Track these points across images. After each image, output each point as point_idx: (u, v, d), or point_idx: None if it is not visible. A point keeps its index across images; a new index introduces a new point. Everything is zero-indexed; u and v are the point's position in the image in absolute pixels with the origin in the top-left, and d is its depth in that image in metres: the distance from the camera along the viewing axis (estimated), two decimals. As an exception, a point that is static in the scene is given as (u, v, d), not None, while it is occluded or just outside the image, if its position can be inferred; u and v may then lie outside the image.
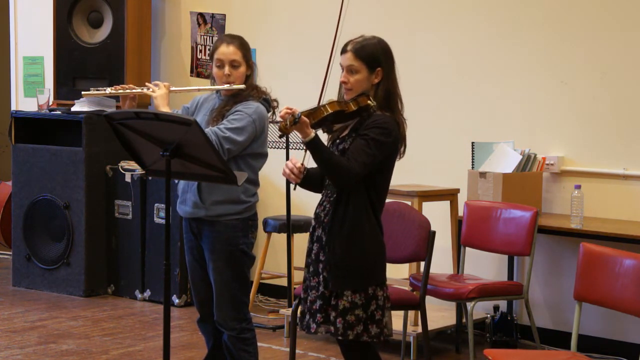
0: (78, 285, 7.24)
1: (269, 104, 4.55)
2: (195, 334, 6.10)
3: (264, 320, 6.63)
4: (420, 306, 5.06)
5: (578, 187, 5.77)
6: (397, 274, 6.08)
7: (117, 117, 3.93)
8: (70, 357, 5.72)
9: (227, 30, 7.39)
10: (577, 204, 5.69)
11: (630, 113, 5.94)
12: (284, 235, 6.69)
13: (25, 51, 8.52)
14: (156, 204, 7.09)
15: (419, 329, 5.45)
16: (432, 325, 5.74)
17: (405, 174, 6.04)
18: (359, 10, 6.47)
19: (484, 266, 6.27)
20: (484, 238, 5.77)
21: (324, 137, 3.97)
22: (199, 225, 4.50)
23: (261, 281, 6.99)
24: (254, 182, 4.52)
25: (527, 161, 6.01)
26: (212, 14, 7.56)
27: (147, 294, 7.15)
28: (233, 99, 4.48)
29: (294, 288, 5.79)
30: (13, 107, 8.51)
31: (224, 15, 7.51)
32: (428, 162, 6.51)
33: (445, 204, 6.18)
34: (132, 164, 7.12)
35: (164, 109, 4.39)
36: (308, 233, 4.14)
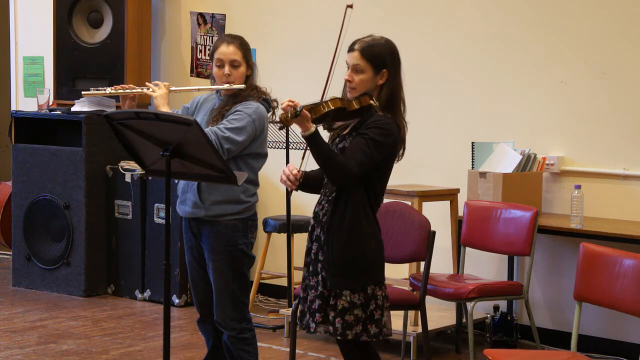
0: (78, 285, 7.24)
1: (268, 104, 4.55)
2: (195, 334, 6.10)
3: (264, 320, 6.63)
4: (420, 306, 5.06)
5: (578, 187, 5.77)
6: (397, 274, 6.08)
7: (117, 117, 3.92)
8: (70, 357, 5.72)
9: (227, 30, 7.39)
10: (577, 204, 5.69)
11: (630, 113, 5.94)
12: (284, 235, 6.69)
13: (25, 51, 8.53)
14: (156, 204, 7.09)
15: (419, 329, 5.45)
16: (432, 325, 5.74)
17: (405, 174, 6.05)
18: (359, 10, 6.46)
19: (484, 266, 6.27)
20: (484, 238, 5.77)
21: (324, 134, 3.97)
22: (198, 225, 4.50)
23: (261, 281, 6.99)
24: (254, 182, 4.52)
25: (527, 161, 6.01)
26: (212, 14, 7.56)
27: (147, 294, 7.15)
28: (233, 99, 4.48)
29: (294, 288, 5.79)
30: (13, 107, 8.51)
31: (224, 15, 7.51)
32: (428, 162, 6.51)
33: (445, 204, 6.18)
34: (132, 164, 7.12)
35: (164, 108, 4.39)
36: (308, 232, 4.15)
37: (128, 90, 4.46)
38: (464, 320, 5.85)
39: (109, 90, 4.48)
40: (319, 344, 6.03)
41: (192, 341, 6.11)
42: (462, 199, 6.09)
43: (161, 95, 4.45)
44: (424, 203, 5.98)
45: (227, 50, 4.47)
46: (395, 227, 5.26)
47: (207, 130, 4.22)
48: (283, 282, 7.04)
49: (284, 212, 6.37)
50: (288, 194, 6.27)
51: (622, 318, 5.53)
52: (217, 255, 4.46)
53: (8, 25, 8.72)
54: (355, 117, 3.98)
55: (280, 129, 4.06)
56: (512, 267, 6.11)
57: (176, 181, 4.57)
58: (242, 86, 4.47)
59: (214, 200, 4.43)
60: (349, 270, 3.94)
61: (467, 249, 5.87)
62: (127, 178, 7.20)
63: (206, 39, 7.59)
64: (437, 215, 6.04)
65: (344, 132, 4.03)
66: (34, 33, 8.43)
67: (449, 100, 6.54)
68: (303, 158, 4.01)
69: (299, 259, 6.36)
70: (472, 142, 6.20)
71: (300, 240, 6.36)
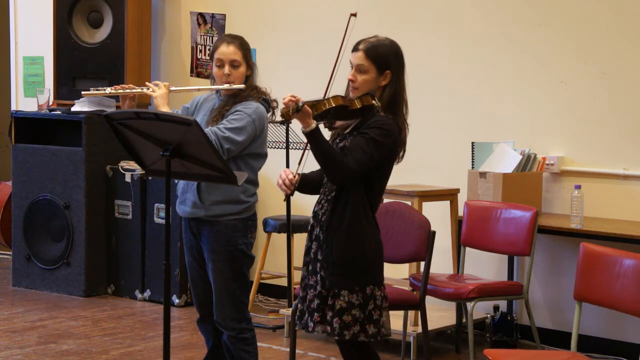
0: (78, 285, 7.24)
1: (268, 104, 4.55)
2: (195, 334, 6.10)
3: (264, 320, 6.63)
4: (420, 306, 5.06)
5: (578, 187, 5.77)
6: (397, 274, 6.08)
7: (117, 117, 3.92)
8: (70, 357, 5.72)
9: (227, 30, 7.39)
10: (577, 204, 5.69)
11: (630, 113, 5.94)
12: (284, 235, 6.69)
13: (25, 51, 8.53)
14: (156, 204, 7.09)
15: (419, 329, 5.45)
16: (432, 325, 5.74)
17: (405, 174, 6.04)
18: (360, 10, 6.46)
19: (484, 266, 6.27)
20: (484, 238, 5.77)
21: (325, 133, 3.97)
22: (198, 225, 4.50)
23: (261, 281, 6.98)
24: (254, 182, 4.52)
25: (527, 161, 6.01)
26: (212, 14, 7.56)
27: (147, 294, 7.15)
28: (233, 99, 4.48)
29: (294, 288, 5.79)
30: (13, 107, 8.51)
31: (224, 15, 7.51)
32: (428, 162, 6.51)
33: (445, 204, 6.18)
34: (132, 164, 7.12)
35: (164, 108, 4.39)
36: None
37: (128, 90, 4.45)
38: (464, 320, 5.85)
39: (108, 90, 4.48)
40: (319, 344, 6.03)
41: (192, 341, 6.11)
42: (462, 199, 6.09)
43: (161, 95, 4.45)
44: (424, 203, 5.98)
45: (227, 50, 4.47)
46: (395, 227, 5.26)
47: (207, 130, 4.22)
48: (283, 282, 7.04)
49: (284, 212, 6.37)
50: (287, 195, 6.27)
51: (622, 318, 5.53)
52: (217, 255, 4.46)
53: (8, 25, 8.72)
54: (357, 117, 3.98)
55: (281, 123, 4.06)
56: (512, 267, 6.11)
57: (176, 181, 4.57)
58: (242, 86, 4.47)
59: (214, 200, 4.43)
60: (348, 270, 3.93)
61: (467, 249, 5.87)
62: (127, 178, 7.20)
63: (206, 39, 7.59)
64: (437, 215, 6.04)
65: (345, 132, 4.03)
66: (34, 33, 8.43)
67: (449, 100, 6.54)
68: (300, 162, 4.01)
69: (299, 259, 6.34)
70: (472, 142, 6.20)
71: (300, 240, 6.35)
